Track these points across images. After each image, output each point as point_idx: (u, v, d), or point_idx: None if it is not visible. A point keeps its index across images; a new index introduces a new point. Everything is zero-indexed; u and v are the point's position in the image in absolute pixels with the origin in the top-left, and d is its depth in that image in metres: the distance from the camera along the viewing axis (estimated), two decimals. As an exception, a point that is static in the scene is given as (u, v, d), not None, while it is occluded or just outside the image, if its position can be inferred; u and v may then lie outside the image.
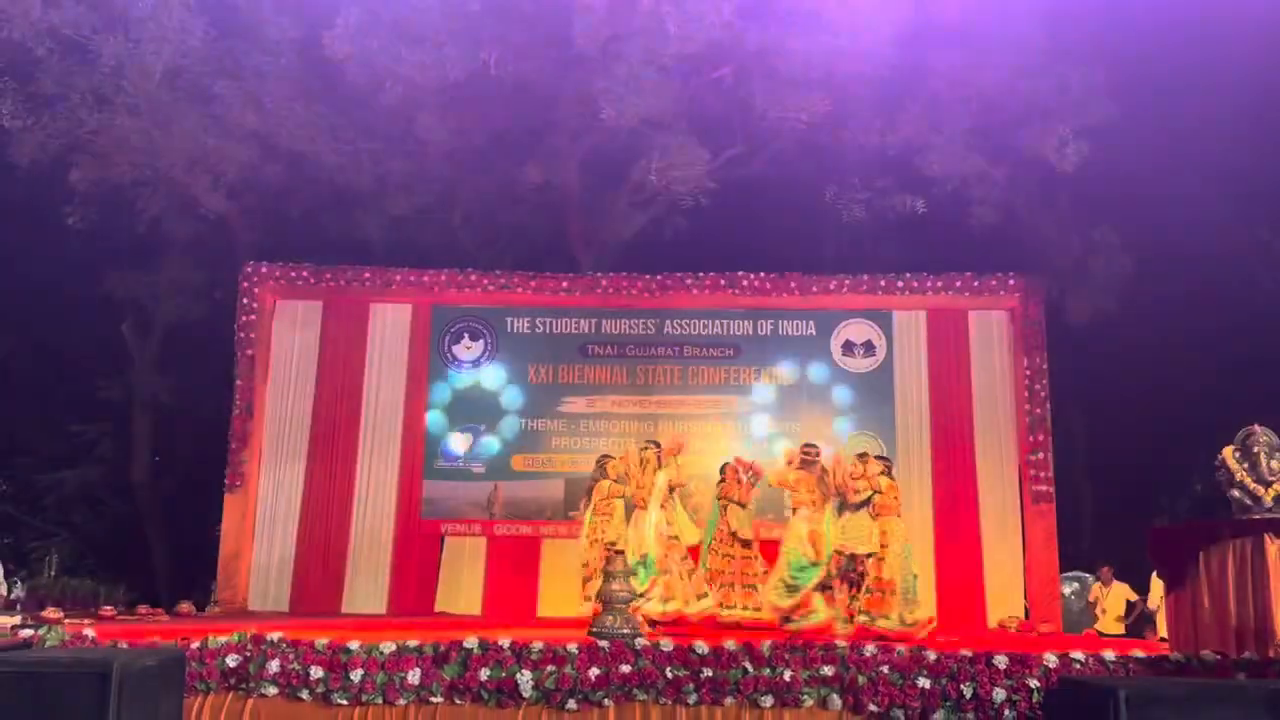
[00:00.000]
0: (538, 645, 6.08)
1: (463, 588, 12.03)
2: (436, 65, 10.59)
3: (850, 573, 8.79)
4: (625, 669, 5.97)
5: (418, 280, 12.67)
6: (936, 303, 12.57)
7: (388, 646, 6.09)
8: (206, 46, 10.89)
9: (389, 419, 12.51)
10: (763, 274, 12.54)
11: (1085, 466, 14.76)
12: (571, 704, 5.90)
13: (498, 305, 12.76)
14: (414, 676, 5.95)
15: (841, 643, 6.19)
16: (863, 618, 8.51)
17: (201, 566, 13.24)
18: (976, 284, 12.48)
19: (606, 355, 12.70)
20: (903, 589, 8.58)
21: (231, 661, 6.03)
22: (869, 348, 12.62)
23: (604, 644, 6.18)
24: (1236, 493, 6.87)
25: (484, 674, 5.94)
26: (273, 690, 5.97)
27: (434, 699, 5.95)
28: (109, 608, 10.82)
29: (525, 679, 5.91)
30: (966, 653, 6.09)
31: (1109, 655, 6.18)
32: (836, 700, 5.91)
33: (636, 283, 12.64)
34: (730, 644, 6.14)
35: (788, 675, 5.94)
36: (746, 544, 9.61)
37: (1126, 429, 14.19)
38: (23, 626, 7.12)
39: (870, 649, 6.12)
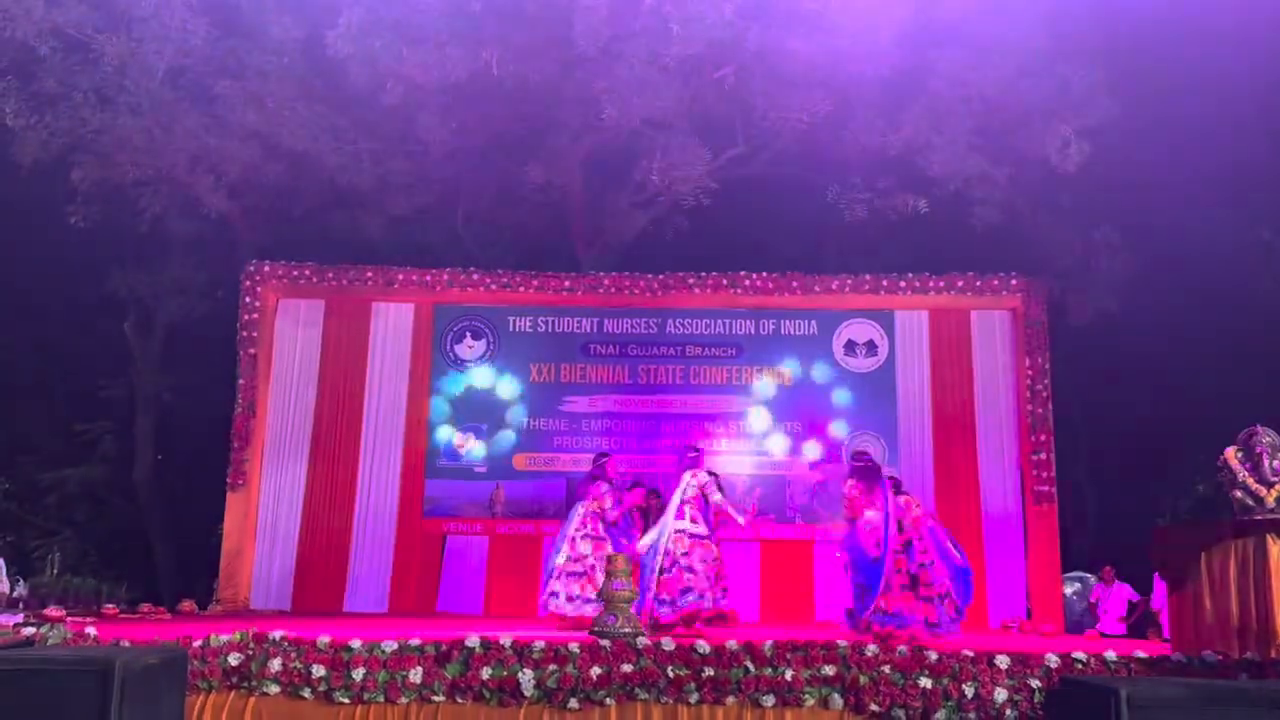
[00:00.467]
0: (539, 644, 6.09)
1: (464, 587, 12.03)
2: (438, 65, 10.59)
3: None
4: (627, 668, 5.98)
5: (420, 279, 12.68)
6: (938, 303, 12.57)
7: (389, 645, 6.11)
8: (209, 46, 10.90)
9: (391, 418, 12.52)
10: (764, 274, 12.54)
11: (1087, 467, 14.76)
12: (573, 703, 5.91)
13: (500, 304, 12.77)
14: (416, 675, 5.96)
15: (842, 642, 6.19)
16: None
17: (203, 565, 13.26)
18: (978, 284, 12.48)
19: (608, 355, 12.71)
20: None
21: (233, 660, 6.04)
22: (871, 347, 12.62)
23: (606, 643, 6.19)
24: (1239, 493, 6.88)
25: (486, 673, 5.96)
26: (274, 689, 5.99)
27: (436, 698, 5.97)
28: (111, 606, 10.83)
29: (527, 678, 5.92)
30: (968, 652, 6.10)
31: (1111, 655, 6.19)
32: (838, 700, 5.92)
33: (638, 282, 12.64)
34: (732, 644, 6.16)
35: (789, 675, 5.95)
36: None
37: (1128, 429, 14.19)
38: (25, 625, 7.12)
39: (872, 649, 6.12)
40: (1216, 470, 7.14)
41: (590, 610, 8.49)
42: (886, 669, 5.98)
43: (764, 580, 11.80)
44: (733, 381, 12.61)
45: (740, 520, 9.06)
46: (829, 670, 5.97)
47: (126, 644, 6.21)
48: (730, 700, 5.94)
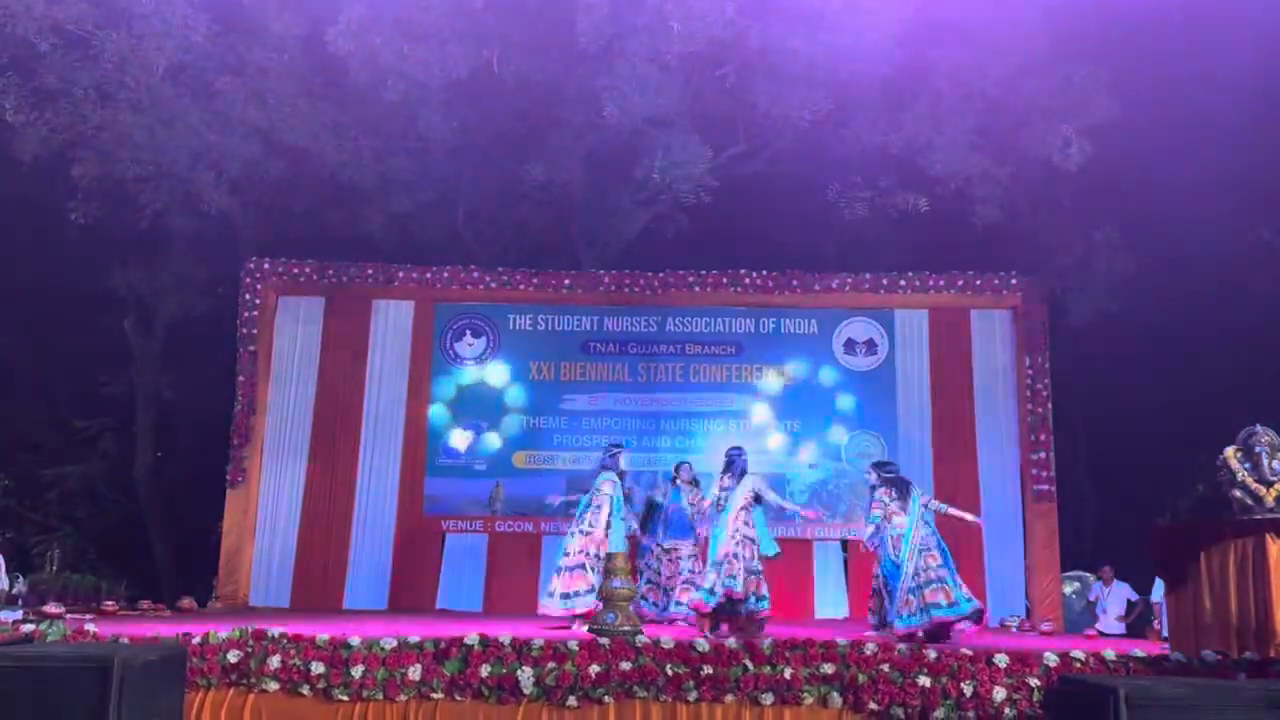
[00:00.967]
0: (538, 642, 6.10)
1: (464, 584, 12.04)
2: (440, 62, 10.59)
3: None
4: (626, 666, 5.98)
5: (420, 277, 12.68)
6: (938, 302, 12.57)
7: (389, 642, 6.11)
8: (209, 42, 10.88)
9: (391, 415, 12.52)
10: (765, 272, 12.54)
11: (1087, 466, 14.77)
12: (572, 700, 5.91)
13: (500, 302, 12.77)
14: (415, 672, 5.96)
15: (841, 640, 6.20)
16: None
17: (203, 562, 13.26)
18: (979, 283, 12.48)
19: (608, 353, 12.71)
20: None
21: (233, 657, 6.05)
22: (871, 346, 12.62)
23: (604, 641, 6.20)
24: (1238, 492, 6.88)
25: (485, 670, 5.96)
26: (274, 686, 6.00)
27: (434, 695, 5.97)
28: (111, 603, 10.82)
29: (526, 675, 5.93)
30: (967, 651, 6.10)
31: (1109, 654, 6.20)
32: (837, 698, 5.93)
33: (639, 280, 12.65)
34: (731, 642, 6.16)
35: (788, 673, 5.95)
36: None
37: (1128, 428, 14.19)
38: (24, 621, 7.13)
39: (871, 647, 6.13)
40: (1216, 469, 7.14)
41: (580, 606, 8.53)
42: (885, 667, 5.98)
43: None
44: (732, 380, 12.61)
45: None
46: (828, 668, 5.98)
47: (126, 641, 6.21)
48: (729, 698, 5.94)
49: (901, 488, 8.61)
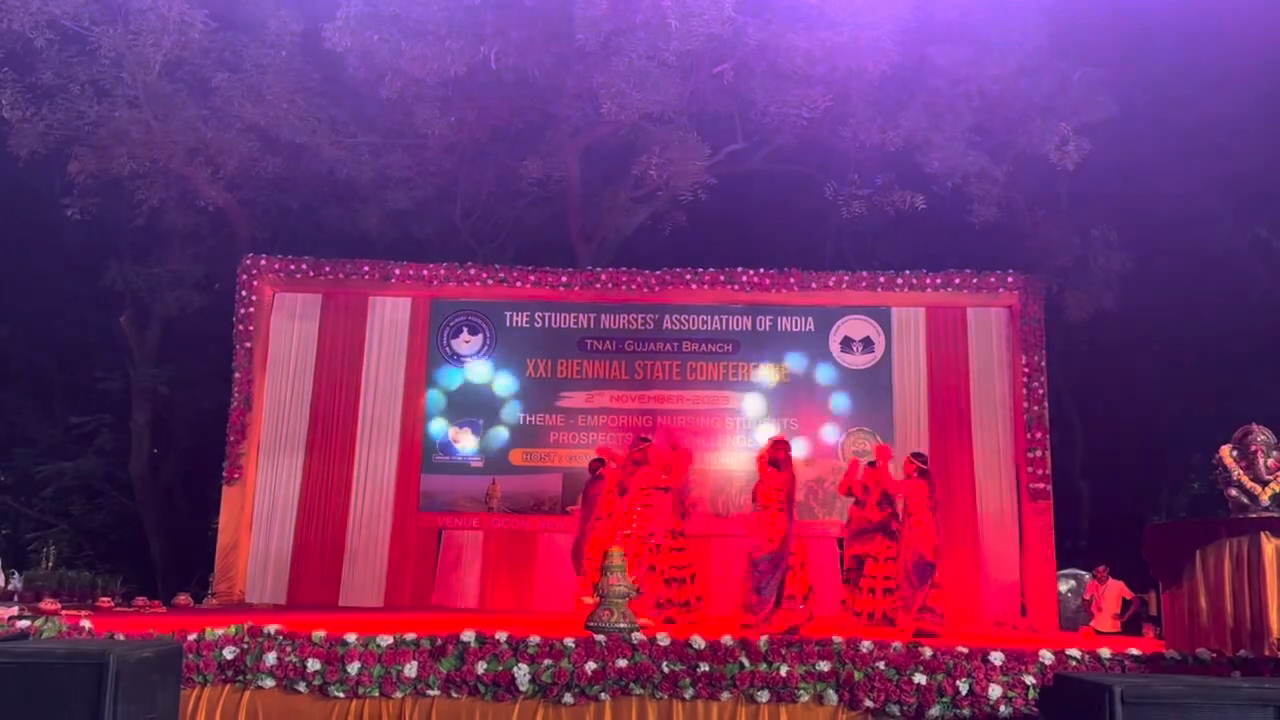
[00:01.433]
0: (535, 639, 6.09)
1: (460, 581, 12.03)
2: (437, 59, 10.58)
3: None
4: (622, 663, 5.98)
5: (417, 274, 12.66)
6: (935, 300, 12.56)
7: (385, 639, 6.11)
8: (206, 38, 10.88)
9: (387, 412, 12.51)
10: (762, 270, 12.53)
11: (1083, 464, 14.78)
12: (568, 698, 5.91)
13: (497, 299, 12.75)
14: (411, 669, 5.96)
15: (838, 638, 6.20)
16: None
17: (199, 559, 13.26)
18: (975, 281, 12.47)
19: (605, 350, 12.70)
20: None
21: (229, 654, 6.04)
22: (868, 344, 12.62)
23: (601, 638, 6.19)
24: (1234, 491, 6.88)
25: (481, 667, 5.96)
26: (270, 682, 5.99)
27: (431, 692, 5.97)
28: (106, 599, 10.83)
29: (522, 673, 5.92)
30: (963, 649, 6.10)
31: (1105, 653, 6.20)
32: (833, 696, 5.93)
33: (636, 278, 12.63)
34: (727, 639, 6.15)
35: (784, 670, 5.95)
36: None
37: (1124, 427, 14.21)
38: (20, 617, 7.12)
39: (867, 645, 6.13)
40: (1211, 468, 7.14)
41: None
42: (881, 665, 5.98)
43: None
44: (729, 377, 12.61)
45: None
46: (824, 666, 5.98)
47: (121, 637, 6.20)
48: (725, 696, 5.94)
49: None
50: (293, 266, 12.60)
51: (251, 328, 12.35)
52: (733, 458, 12.23)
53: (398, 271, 12.65)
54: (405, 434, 12.46)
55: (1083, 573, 12.26)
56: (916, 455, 9.33)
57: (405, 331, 12.73)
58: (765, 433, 12.35)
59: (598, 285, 12.67)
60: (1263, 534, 6.52)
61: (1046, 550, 11.79)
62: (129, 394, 15.04)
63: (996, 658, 6.00)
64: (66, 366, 15.87)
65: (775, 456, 8.88)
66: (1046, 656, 6.03)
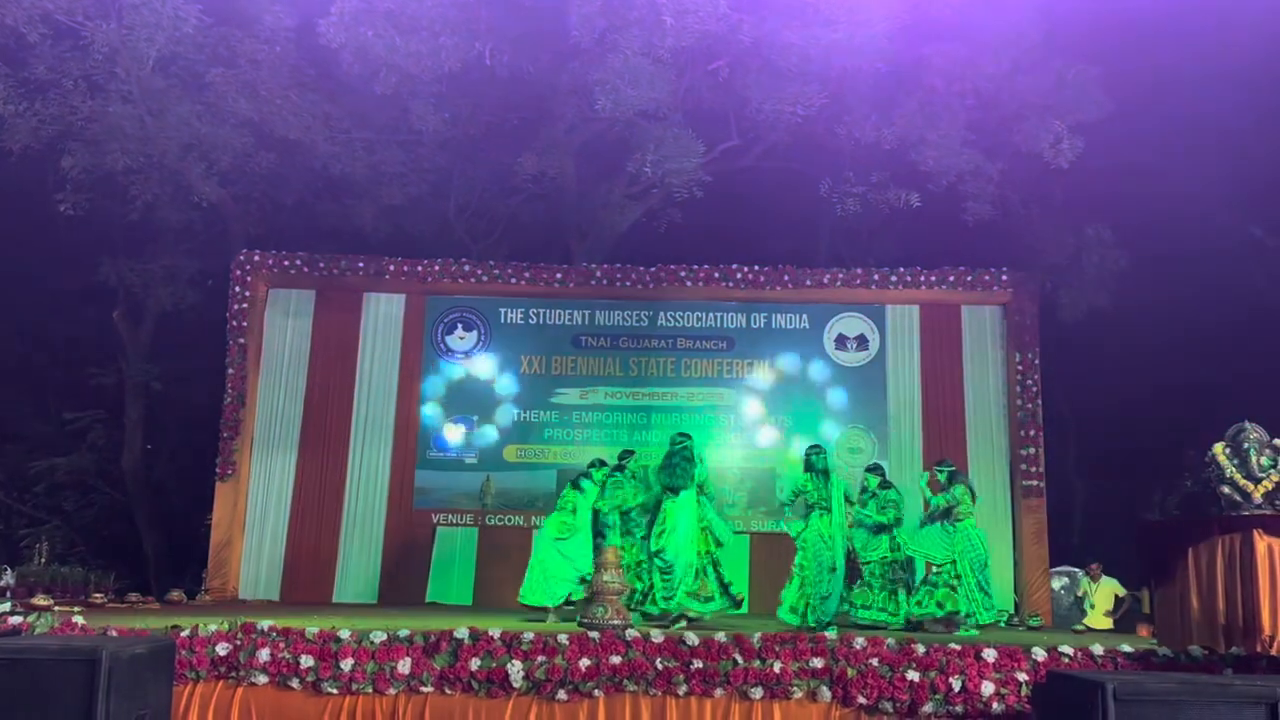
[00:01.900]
0: (528, 636, 6.10)
1: (454, 578, 12.03)
2: (432, 55, 10.55)
3: None
4: (616, 660, 5.99)
5: (411, 270, 12.65)
6: (929, 297, 12.58)
7: (378, 636, 6.11)
8: (200, 33, 10.82)
9: (382, 409, 12.50)
10: (756, 267, 12.54)
11: (1076, 462, 14.80)
12: (561, 694, 5.92)
13: (491, 295, 12.75)
14: (404, 666, 5.96)
15: (830, 635, 6.21)
16: None
17: (192, 555, 13.23)
18: (969, 279, 12.50)
19: (599, 347, 12.70)
20: None
21: (222, 650, 6.03)
22: (862, 341, 12.64)
23: (594, 635, 6.20)
24: (1227, 489, 6.90)
25: (474, 664, 5.96)
26: (263, 679, 5.98)
27: (424, 688, 5.97)
28: (99, 595, 10.80)
29: (516, 669, 5.93)
30: (955, 646, 6.12)
31: (1097, 649, 6.22)
32: (826, 692, 5.94)
33: (630, 274, 12.64)
34: (721, 636, 6.17)
35: (777, 667, 5.96)
36: None
37: (1117, 425, 14.23)
38: (12, 613, 7.10)
39: (860, 642, 6.14)
40: (1205, 466, 7.16)
41: None
42: (874, 662, 6.00)
43: (754, 573, 11.79)
44: (723, 374, 12.62)
45: None
46: (817, 663, 5.99)
47: (114, 633, 6.20)
48: (719, 692, 5.95)
49: None
50: (286, 262, 12.58)
51: (245, 323, 12.33)
52: (726, 455, 12.22)
53: (392, 268, 12.63)
54: (399, 430, 12.46)
55: (1076, 570, 12.28)
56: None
57: (399, 327, 12.72)
58: (759, 430, 12.40)
59: (592, 282, 12.67)
60: (1255, 531, 6.54)
61: (1040, 547, 11.84)
62: (122, 390, 15.00)
63: (989, 655, 6.02)
64: (59, 362, 15.81)
65: None
66: (1039, 653, 6.05)
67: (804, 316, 12.71)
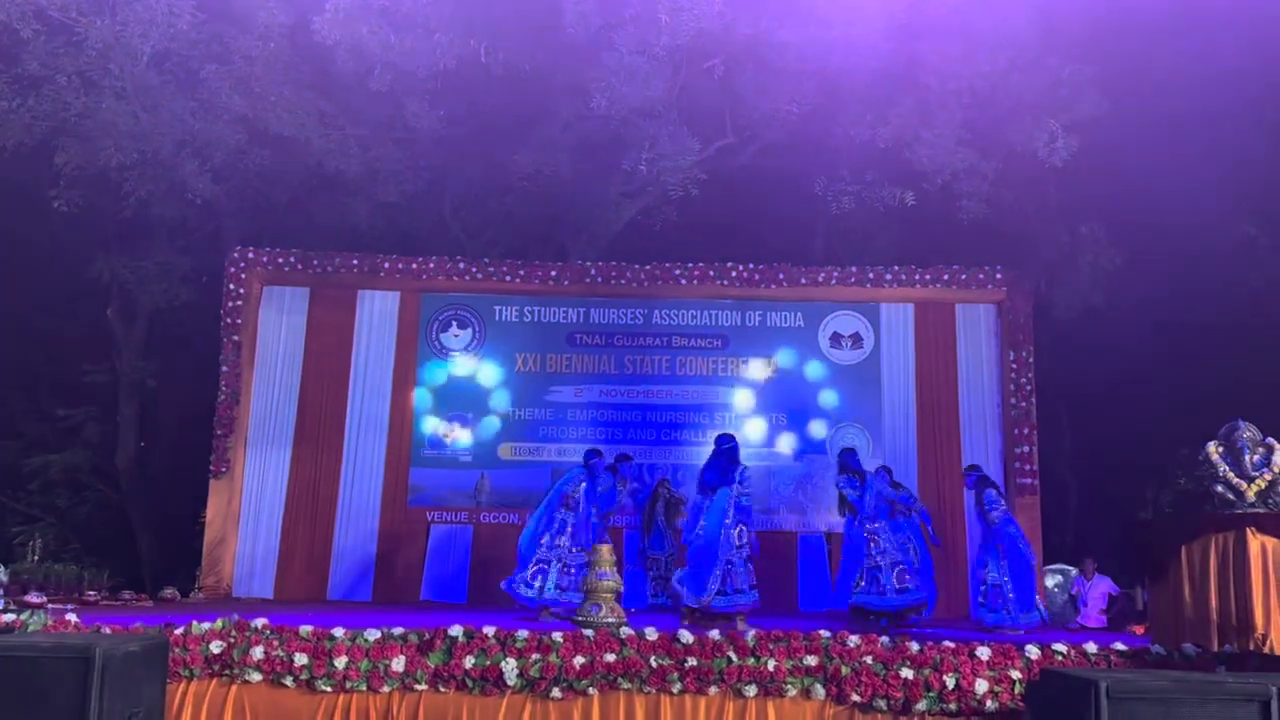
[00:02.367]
0: (523, 633, 6.09)
1: (448, 576, 12.03)
2: (427, 52, 10.54)
3: None
4: (610, 658, 5.98)
5: (406, 267, 12.64)
6: (924, 295, 12.60)
7: (372, 634, 6.10)
8: (194, 30, 10.79)
9: (376, 406, 12.49)
10: (751, 265, 12.56)
11: (1069, 460, 14.83)
12: (556, 692, 5.91)
13: (486, 293, 12.74)
14: (398, 664, 5.95)
15: (824, 633, 6.22)
16: None
17: (186, 552, 13.21)
18: (964, 277, 12.53)
19: (594, 344, 12.71)
20: None
21: (215, 648, 6.02)
22: (856, 339, 12.66)
23: (589, 632, 6.19)
24: (1220, 487, 6.91)
25: (469, 662, 5.95)
26: (257, 677, 5.97)
27: (418, 686, 5.96)
28: (93, 593, 10.78)
29: (510, 667, 5.92)
30: (949, 644, 6.13)
31: (1090, 647, 6.23)
32: (820, 690, 5.94)
33: (625, 272, 12.64)
34: (715, 633, 6.16)
35: (771, 665, 5.96)
36: None
37: (1111, 423, 14.26)
38: (5, 611, 7.08)
39: (854, 639, 6.15)
40: (1198, 464, 7.17)
41: None
42: (868, 659, 6.00)
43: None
44: (718, 372, 12.64)
45: None
46: (811, 660, 5.99)
47: (107, 631, 6.19)
48: (713, 690, 5.95)
49: None
50: (281, 260, 12.56)
51: (239, 321, 12.30)
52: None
53: (386, 265, 12.62)
54: (393, 427, 12.45)
55: (1069, 568, 12.31)
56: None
57: (394, 325, 12.71)
58: (754, 427, 12.41)
59: (587, 280, 12.67)
60: (1248, 530, 6.56)
61: (1033, 545, 11.82)
62: (116, 387, 14.96)
63: (983, 652, 6.02)
64: (53, 359, 15.76)
65: None
66: (1033, 651, 6.06)
67: (799, 314, 12.73)
